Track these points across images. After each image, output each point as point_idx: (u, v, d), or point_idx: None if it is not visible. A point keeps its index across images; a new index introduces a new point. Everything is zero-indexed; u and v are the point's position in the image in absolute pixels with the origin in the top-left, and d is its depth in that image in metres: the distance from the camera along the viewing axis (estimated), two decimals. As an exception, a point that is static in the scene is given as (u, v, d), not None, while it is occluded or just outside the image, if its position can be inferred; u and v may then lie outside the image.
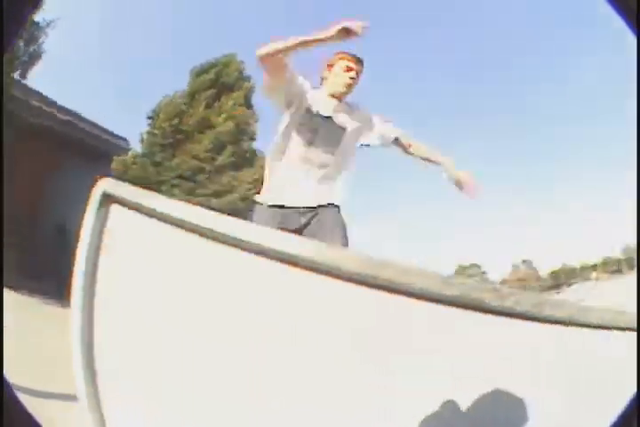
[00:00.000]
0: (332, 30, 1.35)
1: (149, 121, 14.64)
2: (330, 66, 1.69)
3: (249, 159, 14.58)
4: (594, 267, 35.80)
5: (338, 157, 1.65)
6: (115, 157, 10.24)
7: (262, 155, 14.82)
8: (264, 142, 16.39)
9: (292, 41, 1.42)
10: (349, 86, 1.68)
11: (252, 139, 15.01)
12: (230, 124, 14.28)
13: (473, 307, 0.76)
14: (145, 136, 14.52)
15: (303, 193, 1.59)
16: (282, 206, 1.57)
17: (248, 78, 15.56)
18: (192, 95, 14.95)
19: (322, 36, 1.38)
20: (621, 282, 24.77)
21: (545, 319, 0.82)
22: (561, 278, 33.58)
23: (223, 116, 14.47)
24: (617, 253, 48.98)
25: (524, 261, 51.05)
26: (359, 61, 1.67)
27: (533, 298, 0.83)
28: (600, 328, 0.92)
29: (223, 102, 14.79)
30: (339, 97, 1.69)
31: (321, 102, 1.64)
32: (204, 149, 13.90)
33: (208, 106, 14.71)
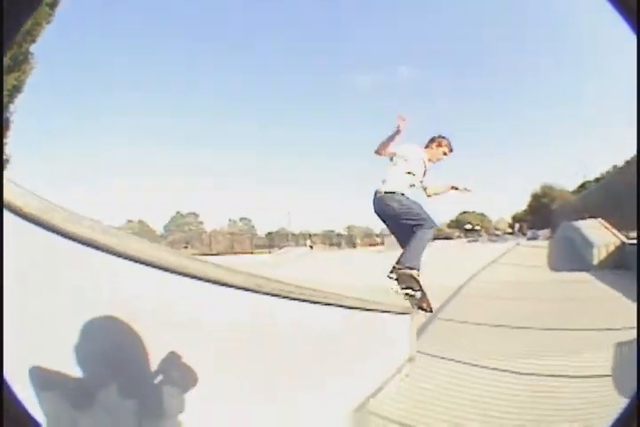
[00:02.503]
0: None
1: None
2: (439, 144, 3.09)
3: (19, 62, 12.19)
4: (310, 236, 38.61)
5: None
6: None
7: (34, 59, 12.62)
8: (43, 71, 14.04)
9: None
10: (438, 160, 3.11)
11: (34, 41, 12.51)
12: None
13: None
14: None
15: None
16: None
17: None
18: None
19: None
20: (332, 256, 21.95)
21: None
22: (275, 241, 35.37)
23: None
24: (341, 229, 52.95)
25: (242, 219, 53.92)
26: (452, 151, 3.12)
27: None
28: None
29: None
30: (431, 161, 3.09)
31: (422, 159, 3.04)
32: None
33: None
